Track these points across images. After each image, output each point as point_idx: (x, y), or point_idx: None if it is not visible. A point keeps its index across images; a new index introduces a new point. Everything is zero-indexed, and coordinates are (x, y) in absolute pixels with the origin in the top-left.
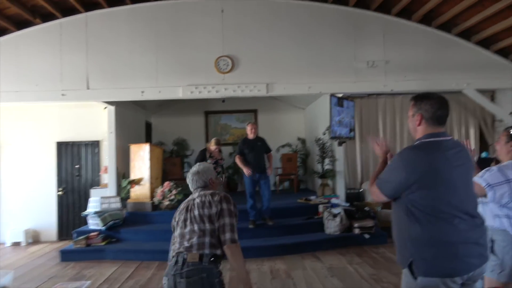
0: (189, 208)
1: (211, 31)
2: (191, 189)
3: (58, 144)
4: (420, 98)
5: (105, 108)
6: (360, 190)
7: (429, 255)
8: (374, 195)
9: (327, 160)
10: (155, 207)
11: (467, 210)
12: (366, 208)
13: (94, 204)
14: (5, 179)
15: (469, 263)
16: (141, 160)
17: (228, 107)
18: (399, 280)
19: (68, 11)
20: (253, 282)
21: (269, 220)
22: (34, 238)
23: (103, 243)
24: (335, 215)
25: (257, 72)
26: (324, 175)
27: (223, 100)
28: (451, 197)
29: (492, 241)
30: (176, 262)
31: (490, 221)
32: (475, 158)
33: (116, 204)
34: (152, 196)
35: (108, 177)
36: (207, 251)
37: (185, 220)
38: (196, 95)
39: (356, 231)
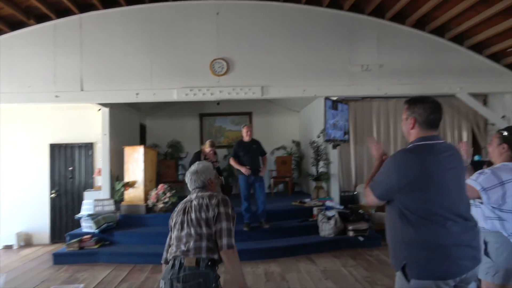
0: (187, 210)
1: (206, 34)
2: (190, 189)
3: (51, 146)
4: (413, 102)
5: (99, 110)
6: (354, 193)
7: (422, 258)
8: (368, 197)
9: (321, 163)
10: (149, 209)
11: (460, 212)
12: (360, 211)
13: (87, 206)
14: None
15: (462, 265)
16: (135, 162)
17: (223, 110)
18: (393, 283)
19: (63, 12)
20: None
21: (265, 223)
22: (26, 241)
23: (96, 246)
24: (329, 218)
25: (252, 75)
26: (319, 177)
27: (218, 102)
28: (443, 200)
29: (485, 243)
30: (173, 265)
31: (482, 223)
32: (470, 160)
33: (109, 206)
34: (146, 198)
35: (102, 180)
36: (204, 255)
37: (182, 223)
38: (191, 97)
39: (350, 233)
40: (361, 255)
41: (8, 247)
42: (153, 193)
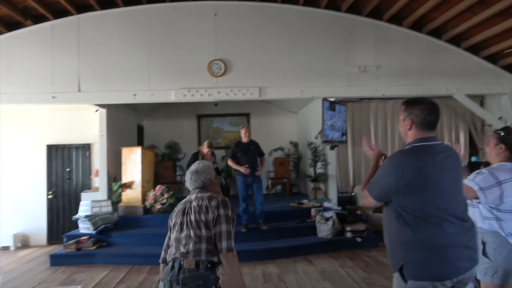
0: (186, 211)
1: (204, 35)
2: (190, 189)
3: (49, 147)
4: (410, 103)
5: (97, 111)
6: (352, 194)
7: (420, 259)
8: (365, 199)
9: (319, 164)
10: (147, 211)
11: (457, 213)
12: (358, 212)
13: (84, 207)
14: None
15: (459, 266)
16: (133, 163)
17: (221, 111)
18: (391, 284)
19: (60, 13)
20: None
21: (263, 224)
22: (23, 243)
23: (93, 247)
24: (327, 219)
25: (249, 76)
26: (317, 179)
27: (215, 103)
28: (440, 201)
29: (483, 243)
30: (173, 267)
31: (479, 223)
32: (465, 162)
33: (107, 207)
34: (143, 199)
35: (99, 181)
36: (203, 257)
37: (181, 224)
38: (188, 98)
39: (348, 234)
40: (359, 256)
41: (5, 249)
42: (150, 194)
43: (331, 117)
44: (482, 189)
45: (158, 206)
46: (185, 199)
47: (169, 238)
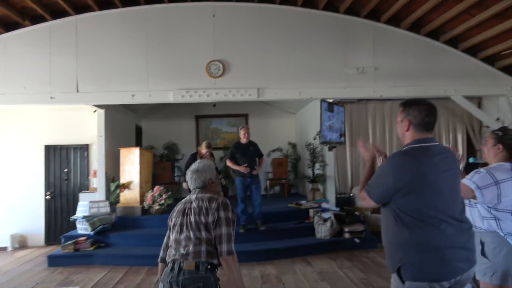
0: (186, 212)
1: (203, 36)
2: (190, 188)
3: (47, 148)
4: (408, 104)
5: (95, 111)
6: (350, 195)
7: (417, 260)
8: (364, 200)
9: (317, 165)
10: (145, 211)
11: (454, 214)
12: (356, 213)
13: (82, 208)
14: None
15: (456, 267)
16: (131, 164)
17: (219, 112)
18: (389, 285)
19: (58, 13)
20: None
21: (261, 225)
22: (21, 243)
23: (91, 248)
24: (325, 220)
25: (248, 77)
26: (315, 179)
27: (214, 104)
28: (438, 202)
29: (482, 243)
30: (172, 268)
31: (478, 223)
32: (463, 164)
33: (105, 208)
34: (142, 200)
35: (97, 181)
36: (203, 259)
37: (181, 225)
38: (187, 99)
39: (346, 235)
40: (357, 257)
41: (2, 249)
42: (149, 195)
43: (329, 118)
44: (479, 188)
45: (156, 207)
46: (185, 198)
47: (168, 237)
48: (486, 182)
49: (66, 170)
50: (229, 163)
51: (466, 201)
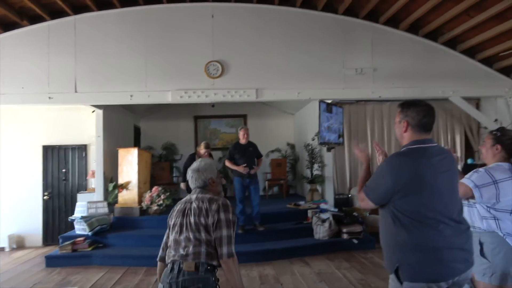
0: (186, 212)
1: (201, 36)
2: (191, 187)
3: (45, 148)
4: (406, 105)
5: (93, 111)
6: (349, 196)
7: (415, 261)
8: (363, 202)
9: (316, 166)
10: (143, 212)
11: (452, 215)
12: (355, 214)
13: (80, 208)
14: None
15: (454, 268)
16: (129, 164)
17: (218, 112)
18: (387, 285)
19: (57, 13)
20: None
21: (259, 226)
22: (19, 244)
23: (89, 249)
24: (323, 220)
25: (246, 78)
26: (313, 180)
27: (212, 105)
28: (436, 203)
29: (481, 243)
30: (172, 269)
31: (477, 223)
32: (461, 165)
33: (103, 209)
34: (140, 201)
35: (96, 182)
36: (203, 260)
37: (181, 226)
38: (185, 99)
39: (345, 236)
40: (355, 258)
41: (0, 250)
42: (147, 196)
43: (327, 119)
44: (478, 186)
45: (154, 207)
46: (185, 198)
47: (168, 236)
48: (485, 181)
49: (64, 170)
50: (228, 163)
51: (465, 202)
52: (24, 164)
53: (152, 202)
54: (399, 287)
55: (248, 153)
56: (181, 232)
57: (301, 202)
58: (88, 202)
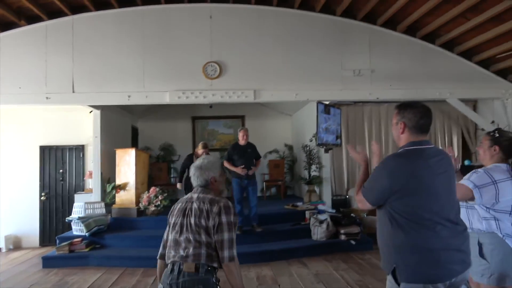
0: (186, 212)
1: (199, 37)
2: (193, 185)
3: (42, 148)
4: (403, 107)
5: (91, 112)
6: (347, 197)
7: (412, 262)
8: (360, 203)
9: (313, 167)
10: (141, 212)
11: (449, 217)
12: (352, 215)
13: (78, 209)
14: None
15: (451, 269)
16: (127, 165)
17: (216, 113)
18: (384, 286)
19: (54, 13)
20: None
21: (257, 227)
22: (15, 244)
23: (86, 249)
24: (321, 222)
25: (244, 79)
26: (311, 181)
27: (210, 105)
28: (433, 204)
29: (480, 244)
30: (172, 270)
31: (477, 224)
32: (458, 166)
33: (100, 209)
34: (137, 201)
35: (93, 182)
36: (203, 261)
37: (181, 226)
38: (183, 100)
39: (342, 237)
40: (353, 259)
41: None
42: (144, 196)
43: (325, 120)
44: (477, 187)
45: (152, 208)
46: (186, 196)
47: (167, 234)
48: (484, 181)
49: (61, 171)
50: (226, 164)
51: (464, 203)
52: (21, 164)
53: (149, 203)
54: None
55: (247, 154)
56: (181, 232)
57: (299, 203)
58: (86, 203)
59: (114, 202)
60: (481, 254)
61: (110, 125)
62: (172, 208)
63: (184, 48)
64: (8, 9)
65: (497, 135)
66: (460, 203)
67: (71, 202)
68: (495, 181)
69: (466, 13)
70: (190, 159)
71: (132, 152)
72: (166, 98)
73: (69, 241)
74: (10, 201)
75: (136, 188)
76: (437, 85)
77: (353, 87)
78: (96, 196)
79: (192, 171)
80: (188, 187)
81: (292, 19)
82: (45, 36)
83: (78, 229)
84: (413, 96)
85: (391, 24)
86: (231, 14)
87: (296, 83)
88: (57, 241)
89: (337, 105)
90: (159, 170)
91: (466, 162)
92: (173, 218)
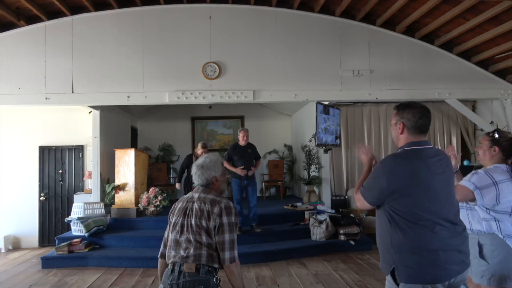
0: (187, 212)
1: (199, 37)
2: (194, 183)
3: (41, 149)
4: (402, 107)
5: (90, 112)
6: (346, 197)
7: (411, 262)
8: (359, 202)
9: (313, 167)
10: (140, 213)
11: (448, 217)
12: (352, 215)
13: (77, 210)
14: None
15: (450, 269)
16: (126, 165)
17: (215, 113)
18: (383, 287)
19: (54, 14)
20: None
21: (256, 227)
22: (15, 245)
23: (86, 250)
24: (321, 222)
25: (244, 79)
26: (310, 182)
27: (210, 106)
28: (432, 205)
29: (480, 245)
30: (173, 271)
31: (477, 226)
32: (459, 165)
33: (100, 210)
34: (137, 202)
35: (92, 183)
36: (204, 262)
37: (182, 226)
38: (182, 100)
39: (342, 237)
40: (352, 259)
41: None
42: (144, 197)
43: (325, 120)
44: (478, 188)
45: (151, 208)
46: (187, 195)
47: (168, 233)
48: (485, 182)
49: (60, 171)
50: (226, 165)
51: (464, 204)
52: (20, 164)
53: (149, 203)
54: None
55: (246, 154)
56: (181, 233)
57: (298, 204)
58: (85, 203)
59: (113, 203)
60: (481, 255)
61: (110, 126)
62: (172, 207)
63: (184, 49)
64: (7, 9)
65: (497, 135)
66: (460, 204)
67: (70, 202)
68: (495, 182)
69: (465, 13)
70: (190, 159)
71: (131, 153)
72: (166, 99)
73: (68, 242)
74: (10, 201)
75: (136, 189)
76: (436, 85)
77: (353, 87)
78: (95, 196)
79: (194, 169)
80: (188, 188)
81: (291, 20)
82: (45, 36)
83: (77, 230)
84: (412, 97)
85: (390, 24)
86: (230, 15)
87: (296, 84)
88: (57, 242)
89: (336, 105)
90: (158, 170)
91: (465, 163)
92: (173, 217)
